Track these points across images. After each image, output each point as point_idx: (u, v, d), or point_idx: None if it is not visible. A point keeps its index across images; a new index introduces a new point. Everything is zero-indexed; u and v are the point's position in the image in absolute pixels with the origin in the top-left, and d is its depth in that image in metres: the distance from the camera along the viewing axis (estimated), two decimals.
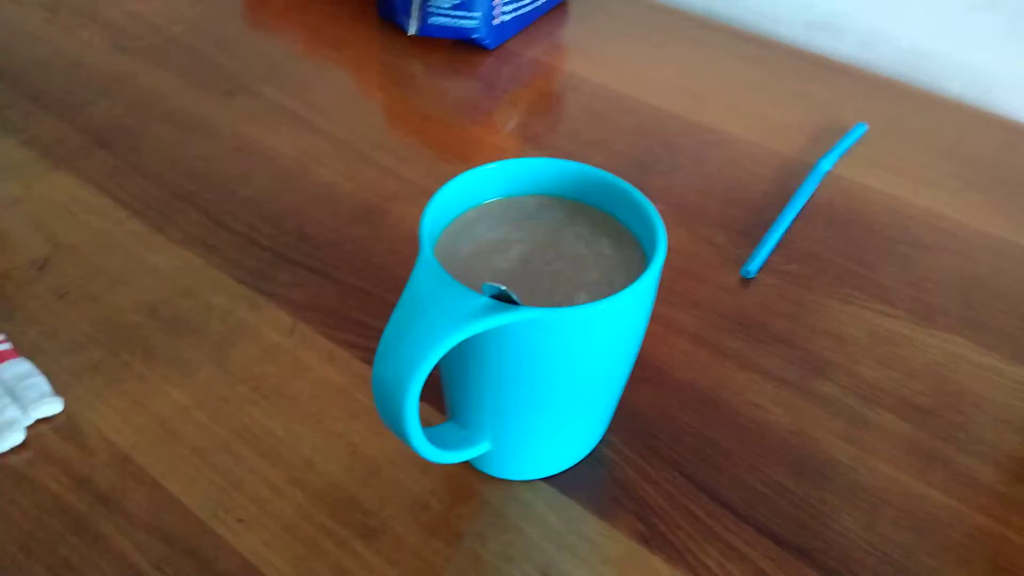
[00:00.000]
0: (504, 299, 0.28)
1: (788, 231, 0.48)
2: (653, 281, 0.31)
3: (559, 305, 0.31)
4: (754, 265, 0.45)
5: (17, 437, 0.36)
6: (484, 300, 0.28)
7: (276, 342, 0.40)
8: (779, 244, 0.47)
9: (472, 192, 0.34)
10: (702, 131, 0.55)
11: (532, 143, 0.53)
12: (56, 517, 0.34)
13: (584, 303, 0.29)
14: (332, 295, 0.43)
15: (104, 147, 0.52)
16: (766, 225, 0.48)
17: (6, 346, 0.39)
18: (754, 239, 0.47)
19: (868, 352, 0.41)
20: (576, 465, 0.36)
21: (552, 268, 0.32)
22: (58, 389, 0.38)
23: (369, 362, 0.40)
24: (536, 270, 0.32)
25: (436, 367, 0.33)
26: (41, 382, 0.38)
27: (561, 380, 0.31)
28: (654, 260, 0.31)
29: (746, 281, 0.45)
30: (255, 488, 0.35)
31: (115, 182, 0.49)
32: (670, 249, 0.46)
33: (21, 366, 0.38)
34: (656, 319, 0.42)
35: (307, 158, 0.51)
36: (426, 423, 0.37)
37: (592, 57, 0.62)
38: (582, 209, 0.35)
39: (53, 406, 0.37)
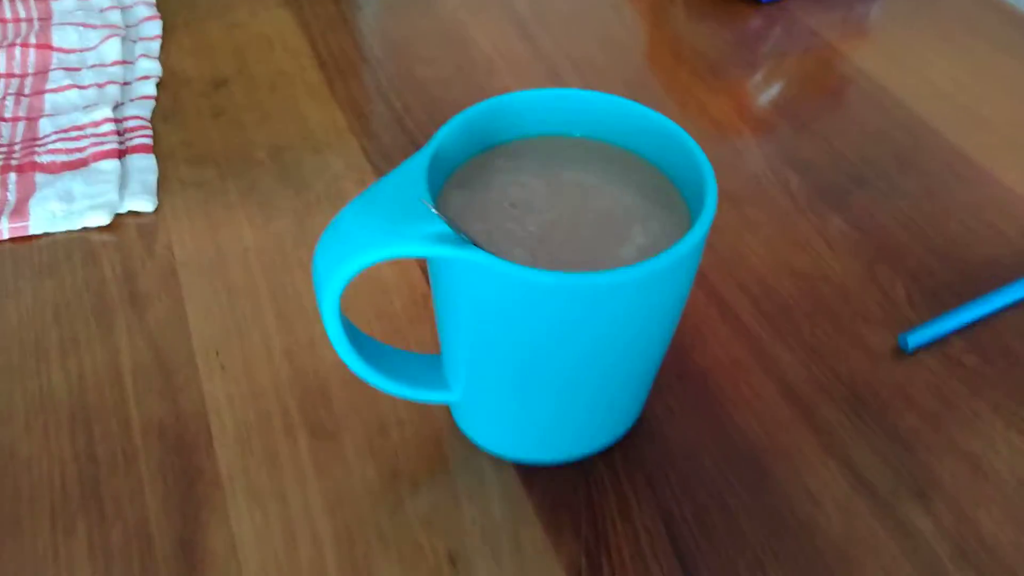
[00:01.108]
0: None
1: (991, 317, 0.36)
2: (680, 256, 0.24)
3: (576, 262, 0.25)
4: (918, 337, 0.35)
5: (104, 219, 0.39)
6: (443, 228, 0.24)
7: None
8: (969, 327, 0.36)
9: (505, 122, 0.29)
10: (959, 161, 0.43)
11: (747, 117, 0.46)
12: (92, 296, 0.36)
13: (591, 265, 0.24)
14: None
15: None
16: (967, 298, 0.37)
17: (147, 140, 0.42)
18: (942, 307, 0.36)
19: (1005, 501, 0.30)
20: (560, 466, 0.31)
21: (568, 216, 0.27)
22: (162, 192, 0.40)
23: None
24: (556, 218, 0.27)
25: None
26: (151, 180, 0.40)
27: (547, 352, 0.26)
28: (695, 227, 0.24)
29: (899, 353, 0.35)
30: (253, 344, 0.34)
31: (323, 32, 0.50)
32: (824, 277, 0.37)
33: (146, 161, 0.41)
34: (757, 350, 0.35)
35: (500, 60, 0.49)
36: (428, 346, 0.34)
37: (880, 46, 0.51)
38: (627, 159, 0.29)
39: (147, 204, 0.39)
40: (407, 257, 0.24)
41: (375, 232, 0.24)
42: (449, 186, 0.28)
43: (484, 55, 0.49)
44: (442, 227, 0.24)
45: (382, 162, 0.42)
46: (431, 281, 0.28)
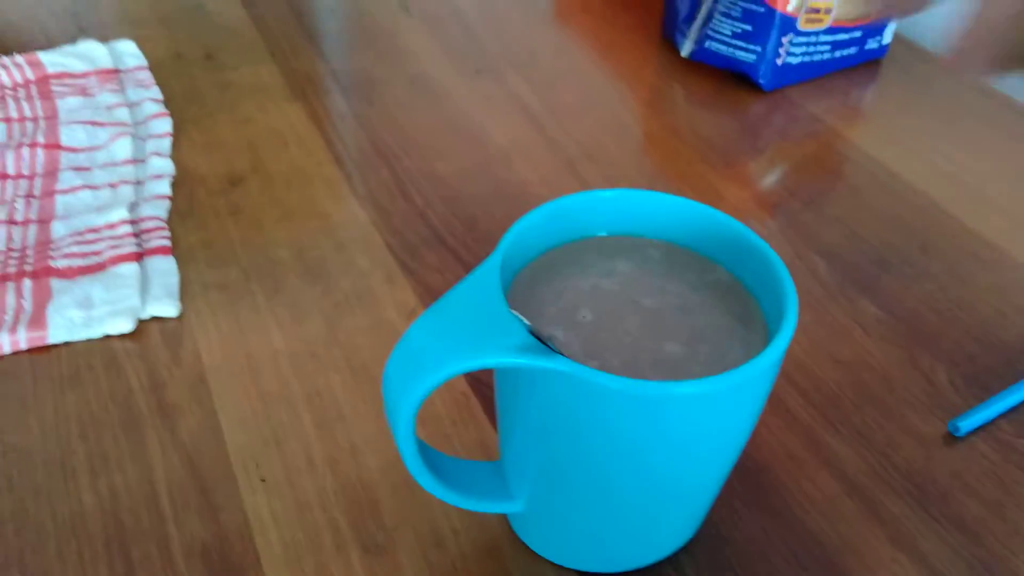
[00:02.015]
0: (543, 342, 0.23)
1: None
2: (763, 368, 0.24)
3: (640, 370, 0.25)
4: (969, 422, 0.35)
5: (127, 326, 0.37)
6: (524, 336, 0.23)
7: (390, 319, 0.38)
8: (1016, 410, 0.36)
9: (573, 222, 0.29)
10: (976, 243, 0.44)
11: (764, 203, 0.46)
12: (119, 408, 0.34)
13: (660, 376, 0.23)
14: None
15: (344, 92, 0.53)
16: (1010, 380, 0.37)
17: (165, 242, 0.41)
18: (987, 391, 0.36)
19: None
20: (626, 572, 0.30)
21: (642, 327, 0.26)
22: (184, 295, 0.39)
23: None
24: (619, 325, 0.26)
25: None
26: (173, 284, 0.39)
27: (618, 460, 0.25)
28: (774, 341, 0.24)
29: (952, 439, 0.35)
30: (293, 454, 0.33)
31: (335, 126, 0.50)
32: (866, 365, 0.37)
33: (166, 263, 0.40)
34: (811, 442, 0.34)
35: (515, 152, 0.49)
36: (487, 455, 0.33)
37: (881, 129, 0.53)
38: (700, 263, 0.28)
39: (170, 309, 0.38)
40: (487, 368, 0.23)
41: (453, 345, 0.23)
42: (514, 291, 0.27)
43: (499, 148, 0.49)
44: (522, 335, 0.23)
45: (408, 258, 0.42)
46: (497, 388, 0.27)
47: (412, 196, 0.45)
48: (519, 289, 0.27)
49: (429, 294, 0.40)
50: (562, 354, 0.23)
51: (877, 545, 0.31)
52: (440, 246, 0.42)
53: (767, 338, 0.26)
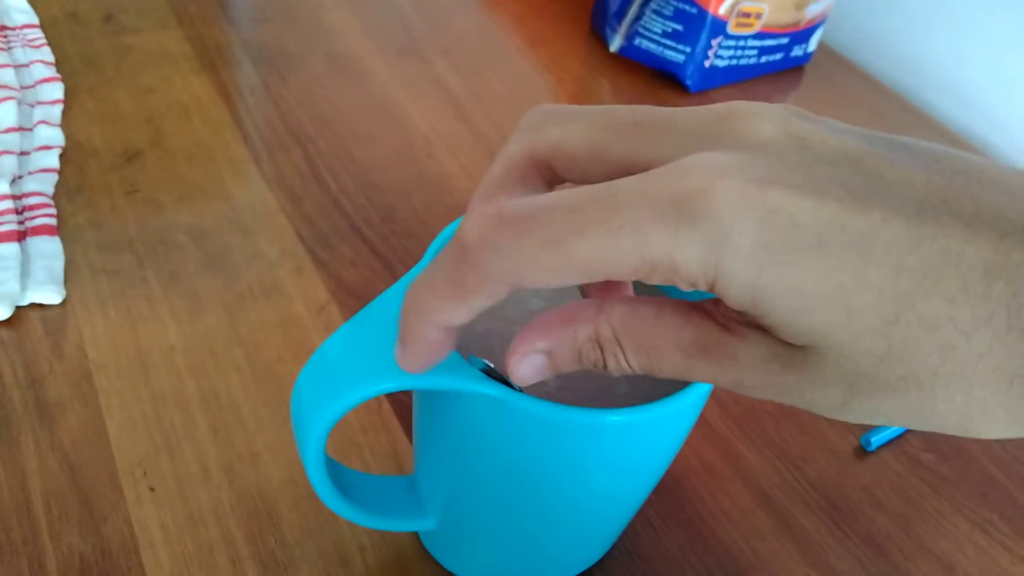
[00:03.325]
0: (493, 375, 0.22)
1: None
2: (700, 395, 0.23)
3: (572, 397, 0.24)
4: (880, 437, 0.35)
5: (3, 312, 0.34)
6: (451, 356, 0.22)
7: (298, 315, 0.36)
8: None
9: None
10: None
11: None
12: None
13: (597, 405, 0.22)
14: (382, 289, 0.38)
15: (256, 64, 0.50)
16: None
17: (51, 220, 0.38)
18: None
19: None
20: None
21: None
22: (70, 280, 0.36)
23: None
24: None
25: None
26: (57, 268, 0.36)
27: (541, 484, 0.24)
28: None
29: (862, 453, 0.35)
30: (186, 461, 0.30)
31: (244, 101, 0.47)
32: None
33: (50, 245, 0.36)
34: (728, 455, 0.34)
35: (439, 141, 0.47)
36: (398, 466, 0.31)
37: None
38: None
39: (53, 296, 0.35)
40: (409, 390, 0.22)
41: (375, 363, 0.22)
42: None
43: (421, 134, 0.47)
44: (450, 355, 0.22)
45: (320, 248, 0.39)
46: (415, 403, 0.26)
47: (326, 181, 0.43)
48: None
49: (341, 288, 0.38)
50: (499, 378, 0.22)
51: (789, 561, 0.31)
52: (355, 236, 0.40)
53: None
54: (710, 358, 0.18)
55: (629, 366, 0.19)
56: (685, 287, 0.17)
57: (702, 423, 0.35)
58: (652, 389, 0.25)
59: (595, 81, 0.54)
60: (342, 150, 0.45)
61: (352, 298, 0.37)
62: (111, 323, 0.35)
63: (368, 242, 0.40)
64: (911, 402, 0.17)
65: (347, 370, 0.22)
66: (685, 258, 0.16)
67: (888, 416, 0.17)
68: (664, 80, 0.55)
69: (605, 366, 0.19)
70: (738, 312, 0.17)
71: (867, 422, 0.18)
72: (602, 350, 0.19)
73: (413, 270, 0.24)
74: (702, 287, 0.16)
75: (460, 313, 0.18)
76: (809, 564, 0.31)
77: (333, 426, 0.22)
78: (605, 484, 0.24)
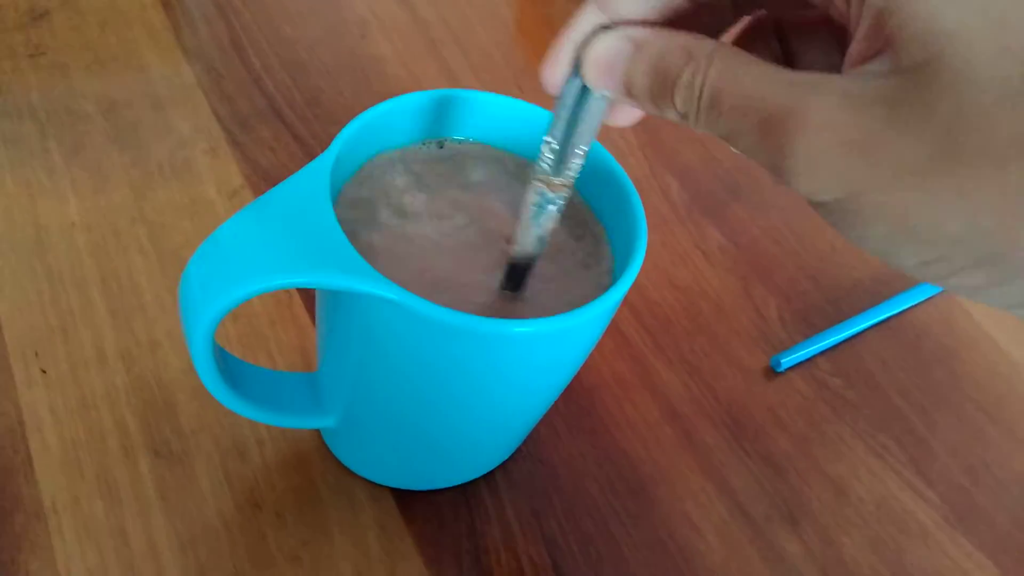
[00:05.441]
0: None
1: (854, 338, 0.37)
2: (606, 308, 0.22)
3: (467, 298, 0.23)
4: (788, 359, 0.35)
5: None
6: (349, 255, 0.21)
7: (209, 199, 0.35)
8: (835, 348, 0.37)
9: (416, 121, 0.26)
10: None
11: None
12: None
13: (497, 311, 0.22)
14: None
15: None
16: (834, 319, 0.38)
17: None
18: (812, 328, 0.37)
19: (866, 526, 0.32)
20: (440, 489, 0.29)
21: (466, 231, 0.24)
22: None
23: None
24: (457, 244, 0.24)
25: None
26: None
27: (444, 388, 0.24)
28: (620, 279, 0.22)
29: (772, 374, 0.36)
30: (81, 344, 0.29)
31: None
32: (702, 292, 0.37)
33: None
34: (639, 367, 0.34)
35: (375, 23, 0.44)
36: (305, 361, 0.31)
37: None
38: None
39: None
40: (308, 287, 0.21)
41: (270, 256, 0.21)
42: (346, 194, 0.24)
43: (356, 16, 0.44)
44: (348, 252, 0.21)
45: (237, 129, 0.37)
46: (318, 300, 0.25)
47: (249, 58, 0.41)
48: (351, 192, 0.24)
49: (257, 173, 0.36)
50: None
51: (688, 474, 0.31)
52: (275, 119, 0.38)
53: (610, 261, 0.25)
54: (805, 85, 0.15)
55: (704, 81, 0.17)
56: None
57: (616, 334, 0.35)
58: (556, 303, 0.24)
59: None
60: (269, 25, 0.42)
61: (268, 183, 0.36)
62: (8, 194, 0.33)
63: (289, 125, 0.38)
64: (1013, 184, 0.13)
65: (239, 261, 0.21)
66: None
67: (965, 214, 0.14)
68: None
69: (676, 80, 0.17)
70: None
71: (923, 219, 0.14)
72: (690, 58, 0.17)
73: (323, 156, 0.22)
74: None
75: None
76: (706, 478, 0.32)
77: (221, 318, 0.21)
78: (507, 394, 0.24)
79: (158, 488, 0.27)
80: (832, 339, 0.37)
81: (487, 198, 0.25)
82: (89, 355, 0.29)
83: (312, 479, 0.28)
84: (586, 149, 0.21)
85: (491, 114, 0.26)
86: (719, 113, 0.17)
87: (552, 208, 0.22)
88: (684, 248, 0.39)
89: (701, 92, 0.17)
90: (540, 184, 0.21)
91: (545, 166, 0.21)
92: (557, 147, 0.21)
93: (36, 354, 0.29)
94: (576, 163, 0.21)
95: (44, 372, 0.28)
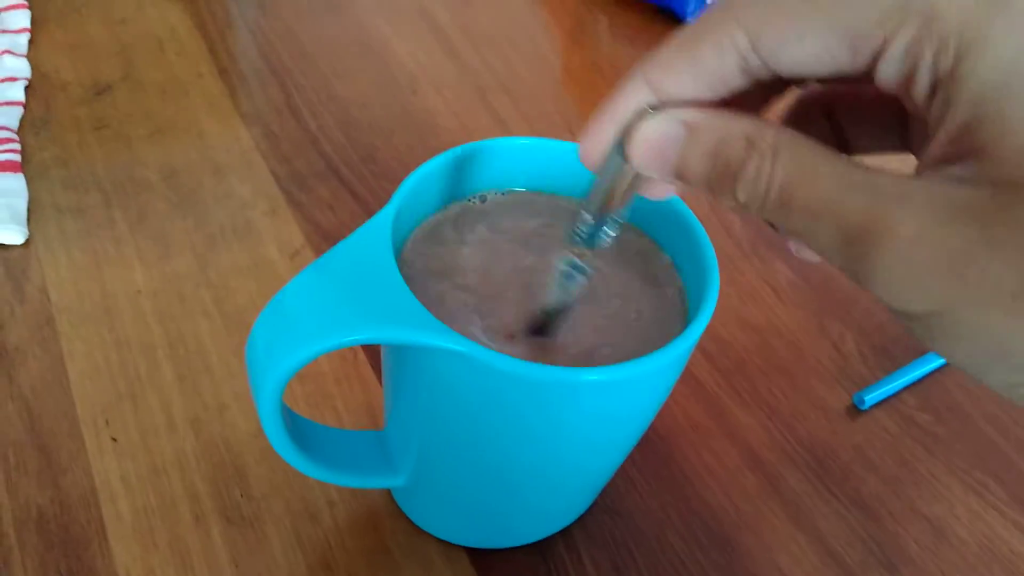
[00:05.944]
0: None
1: (938, 371, 0.36)
2: (680, 352, 0.21)
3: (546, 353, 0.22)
4: (873, 395, 0.34)
5: None
6: (416, 309, 0.20)
7: (272, 259, 0.35)
8: (920, 382, 0.35)
9: (478, 173, 0.26)
10: None
11: None
12: None
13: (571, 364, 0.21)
14: None
15: None
16: (915, 352, 0.36)
17: (15, 156, 0.36)
18: (893, 362, 0.36)
19: (971, 570, 0.30)
20: (517, 547, 0.28)
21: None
22: (33, 219, 0.34)
23: None
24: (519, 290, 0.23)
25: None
26: (20, 206, 0.34)
27: (516, 442, 0.23)
28: (695, 321, 0.21)
29: (855, 411, 0.34)
30: (150, 411, 0.29)
31: (221, 33, 0.45)
32: (775, 330, 0.36)
33: (14, 182, 0.35)
34: (715, 411, 0.33)
35: (424, 77, 0.45)
36: (372, 419, 0.30)
37: None
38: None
39: (15, 235, 0.33)
40: (376, 343, 0.20)
41: (335, 314, 0.20)
42: (410, 249, 0.24)
43: (405, 70, 0.45)
44: (414, 306, 0.20)
45: (296, 189, 0.38)
46: (384, 355, 0.24)
47: (304, 119, 0.41)
48: (416, 247, 0.24)
49: (317, 232, 0.36)
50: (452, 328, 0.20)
51: (776, 523, 0.30)
52: (333, 177, 0.39)
53: (683, 299, 0.24)
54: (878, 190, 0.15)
55: (771, 177, 0.16)
56: (903, 62, 0.15)
57: (689, 379, 0.34)
58: (634, 352, 0.23)
59: (592, 18, 0.52)
60: (322, 86, 0.43)
61: (328, 242, 0.36)
62: (75, 265, 0.33)
63: (346, 183, 0.38)
64: None
65: (304, 321, 0.20)
66: (948, 3, 0.14)
67: None
68: (665, 17, 0.53)
69: (738, 173, 0.16)
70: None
71: None
72: (752, 148, 0.16)
73: (382, 212, 0.22)
74: (935, 56, 0.14)
75: (682, 78, 0.16)
76: (795, 525, 0.30)
77: (289, 379, 0.20)
78: (580, 444, 0.23)
79: (231, 554, 0.26)
80: (916, 372, 0.35)
81: (538, 244, 0.25)
82: (158, 421, 0.29)
83: (384, 540, 0.27)
84: (621, 223, 0.20)
85: (537, 159, 0.26)
86: (789, 211, 0.16)
87: (581, 278, 0.21)
88: (752, 285, 0.38)
89: (768, 189, 0.16)
90: (572, 255, 0.21)
91: (579, 238, 0.20)
92: (592, 221, 0.20)
93: (107, 422, 0.29)
94: (611, 235, 0.20)
95: (115, 440, 0.28)
